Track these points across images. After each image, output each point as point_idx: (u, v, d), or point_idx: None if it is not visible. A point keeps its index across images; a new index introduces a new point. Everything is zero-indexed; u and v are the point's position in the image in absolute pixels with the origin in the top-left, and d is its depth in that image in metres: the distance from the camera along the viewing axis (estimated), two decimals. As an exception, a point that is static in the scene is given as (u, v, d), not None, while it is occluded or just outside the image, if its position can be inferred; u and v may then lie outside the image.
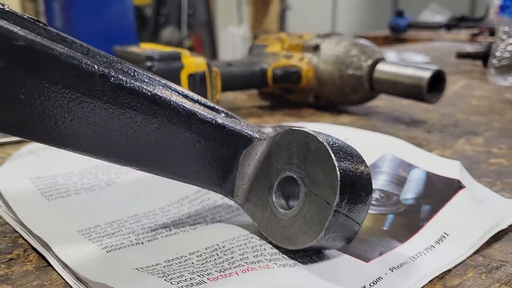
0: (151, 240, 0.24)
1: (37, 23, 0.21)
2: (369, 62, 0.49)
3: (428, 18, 1.72)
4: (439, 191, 0.28)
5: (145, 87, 0.20)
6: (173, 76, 0.41)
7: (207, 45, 8.03)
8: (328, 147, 0.21)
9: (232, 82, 0.50)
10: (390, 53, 0.98)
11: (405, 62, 0.50)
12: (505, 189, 0.31)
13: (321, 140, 0.21)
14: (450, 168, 0.29)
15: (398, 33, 1.48)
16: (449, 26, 1.51)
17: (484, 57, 0.82)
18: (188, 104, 0.22)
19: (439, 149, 0.40)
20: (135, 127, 0.20)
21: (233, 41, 7.16)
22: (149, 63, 0.41)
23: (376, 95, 0.51)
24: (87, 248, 0.23)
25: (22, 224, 0.26)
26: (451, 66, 0.89)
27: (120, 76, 0.19)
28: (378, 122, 0.50)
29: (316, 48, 0.53)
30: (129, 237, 0.24)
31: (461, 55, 0.85)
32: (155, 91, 0.21)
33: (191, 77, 0.43)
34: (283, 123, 0.47)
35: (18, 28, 0.17)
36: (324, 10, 5.87)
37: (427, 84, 0.45)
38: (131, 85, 0.20)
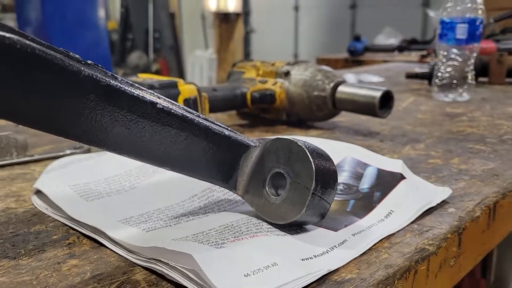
0: (176, 224, 0.32)
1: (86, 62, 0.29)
2: (332, 84, 0.59)
3: (383, 41, 1.87)
4: (386, 181, 0.37)
5: (177, 109, 0.29)
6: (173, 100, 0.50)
7: (174, 69, 8.06)
8: (305, 149, 0.30)
9: (217, 105, 0.59)
10: (350, 75, 1.10)
11: (361, 84, 0.60)
12: (437, 181, 0.41)
13: (300, 144, 0.30)
14: (394, 165, 0.39)
15: (356, 55, 1.62)
16: (401, 48, 1.66)
17: (429, 77, 0.94)
18: (204, 122, 0.31)
19: (390, 154, 0.50)
20: (170, 138, 0.29)
21: (200, 63, 7.23)
22: (153, 90, 0.49)
23: (338, 112, 0.61)
24: (129, 230, 0.31)
25: (71, 219, 0.33)
26: (401, 85, 1.01)
27: (162, 103, 0.28)
28: (341, 134, 0.60)
29: (287, 74, 0.63)
30: (159, 222, 0.32)
31: (410, 76, 0.97)
32: (182, 112, 0.29)
33: (186, 101, 0.51)
34: (267, 137, 0.56)
35: (102, 72, 0.25)
36: (287, 33, 6.08)
37: (379, 102, 0.55)
38: (168, 108, 0.28)
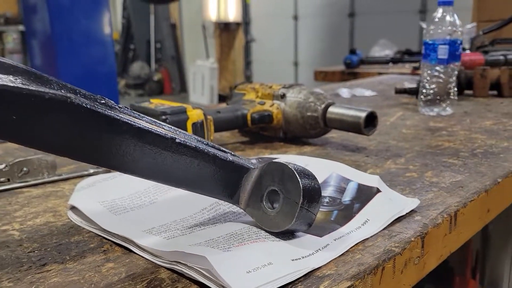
0: (191, 233, 0.39)
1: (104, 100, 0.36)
2: (323, 106, 0.67)
3: (378, 53, 1.95)
4: (365, 194, 0.45)
5: (191, 142, 0.36)
6: (182, 125, 0.57)
7: (176, 78, 8.12)
8: (295, 171, 0.37)
9: (221, 125, 0.66)
10: (344, 90, 1.17)
11: (349, 105, 0.67)
12: (410, 192, 0.48)
13: (291, 167, 0.37)
14: (372, 180, 0.46)
15: (352, 68, 1.70)
16: (395, 60, 1.74)
17: (416, 92, 1.01)
18: (212, 150, 0.38)
19: (373, 168, 0.57)
20: (185, 165, 0.36)
21: (202, 72, 7.32)
22: (163, 117, 0.57)
23: (329, 130, 0.69)
24: (153, 238, 0.38)
25: (104, 230, 0.41)
26: (391, 99, 1.08)
27: (179, 137, 0.35)
28: (332, 150, 0.67)
29: (283, 96, 0.70)
30: (176, 232, 0.39)
31: (399, 91, 1.05)
32: (196, 144, 0.36)
33: (194, 124, 0.58)
34: (264, 155, 0.64)
35: (133, 115, 0.32)
36: (286, 41, 6.16)
37: (364, 121, 0.63)
38: (184, 141, 0.35)
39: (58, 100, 0.28)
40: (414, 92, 1.03)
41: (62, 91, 0.29)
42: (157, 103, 0.62)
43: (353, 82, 1.43)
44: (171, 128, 0.37)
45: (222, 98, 7.05)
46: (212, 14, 7.16)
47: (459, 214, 0.44)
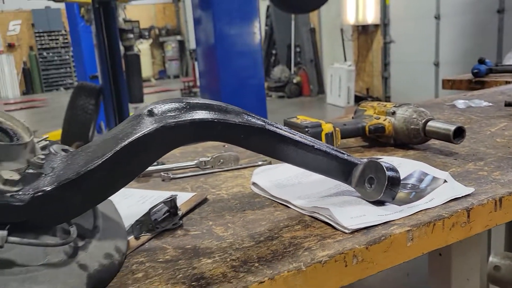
0: (322, 199, 0.68)
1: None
2: (423, 121, 0.90)
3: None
4: (435, 183, 0.68)
5: (324, 147, 0.65)
6: (318, 135, 0.86)
7: (314, 81, 8.43)
8: (383, 166, 0.63)
9: (347, 134, 0.94)
10: (460, 101, 1.34)
11: (443, 120, 0.89)
12: (473, 185, 0.70)
13: (381, 163, 0.64)
14: (442, 175, 0.70)
15: (479, 77, 1.80)
16: (525, 68, 1.78)
17: (524, 105, 1.14)
18: (335, 152, 0.66)
19: (455, 167, 0.79)
20: (320, 160, 0.65)
21: (339, 75, 7.51)
22: (306, 129, 0.87)
23: (428, 139, 0.91)
24: (301, 201, 0.68)
25: (273, 196, 0.72)
26: (504, 110, 1.22)
27: (316, 144, 0.64)
28: (429, 153, 0.89)
29: (393, 113, 0.95)
30: (314, 198, 0.68)
31: (508, 104, 1.19)
32: (325, 149, 0.65)
33: (326, 135, 0.87)
34: (373, 157, 0.90)
35: (292, 132, 0.63)
36: (427, 41, 6.02)
37: (453, 133, 0.84)
38: (319, 147, 0.64)
39: (257, 127, 0.60)
40: (523, 104, 1.16)
41: (258, 121, 0.61)
42: (302, 119, 0.92)
43: (474, 93, 1.56)
44: (312, 139, 0.67)
45: (358, 99, 7.20)
46: (351, 17, 7.35)
47: (504, 200, 0.65)
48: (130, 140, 0.49)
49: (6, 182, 0.44)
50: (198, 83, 10.18)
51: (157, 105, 0.56)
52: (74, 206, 0.48)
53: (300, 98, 8.36)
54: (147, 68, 12.37)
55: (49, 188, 0.45)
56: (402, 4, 6.51)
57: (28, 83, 12.77)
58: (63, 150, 0.57)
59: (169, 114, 0.55)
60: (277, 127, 0.63)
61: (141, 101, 5.43)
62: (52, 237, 0.48)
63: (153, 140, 0.51)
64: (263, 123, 0.61)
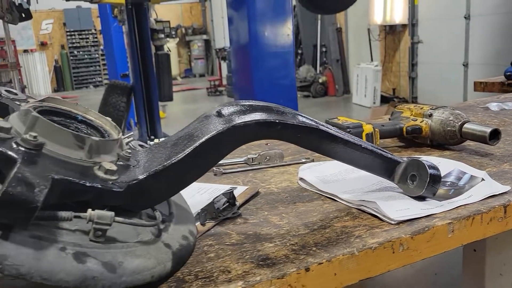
0: (367, 193, 0.74)
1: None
2: (459, 123, 0.95)
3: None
4: (474, 181, 0.74)
5: (368, 146, 0.71)
6: (359, 135, 0.92)
7: (340, 80, 8.43)
8: (425, 164, 0.69)
9: (385, 135, 1.00)
10: (494, 104, 1.37)
11: (479, 123, 0.94)
12: (510, 184, 0.75)
13: (423, 162, 0.70)
14: (480, 173, 0.75)
15: (512, 79, 1.82)
16: (559, 71, 1.79)
17: (558, 108, 1.17)
18: (379, 151, 0.72)
19: (491, 167, 0.84)
20: (365, 157, 0.71)
21: (365, 75, 7.50)
22: (348, 129, 0.93)
23: (464, 140, 0.96)
24: (347, 195, 0.74)
25: (320, 190, 0.78)
26: (537, 113, 1.25)
27: (363, 144, 0.70)
28: (465, 154, 0.94)
29: (430, 115, 1.00)
30: (359, 192, 0.75)
31: (542, 107, 1.22)
32: (371, 148, 0.71)
33: (367, 135, 0.93)
34: (413, 156, 0.95)
35: (340, 132, 0.69)
36: (456, 42, 5.96)
37: (489, 135, 0.89)
38: (361, 145, 0.71)
39: (312, 127, 0.67)
40: (557, 108, 1.19)
41: (312, 122, 0.67)
42: (342, 119, 0.99)
43: (507, 95, 1.58)
44: (358, 138, 0.73)
45: (384, 100, 7.18)
46: (378, 17, 7.32)
47: (539, 197, 0.70)
48: (206, 137, 0.57)
49: (107, 171, 0.51)
50: (224, 82, 10.34)
51: (224, 107, 0.63)
52: (159, 193, 0.56)
53: (326, 98, 8.37)
54: (173, 67, 12.55)
55: (141, 177, 0.53)
56: (431, 4, 6.45)
57: (59, 80, 13.14)
58: (140, 145, 0.65)
59: (235, 115, 0.62)
60: (328, 127, 0.69)
61: (171, 99, 5.57)
62: (139, 219, 0.56)
63: (225, 138, 0.58)
64: (317, 124, 0.68)
